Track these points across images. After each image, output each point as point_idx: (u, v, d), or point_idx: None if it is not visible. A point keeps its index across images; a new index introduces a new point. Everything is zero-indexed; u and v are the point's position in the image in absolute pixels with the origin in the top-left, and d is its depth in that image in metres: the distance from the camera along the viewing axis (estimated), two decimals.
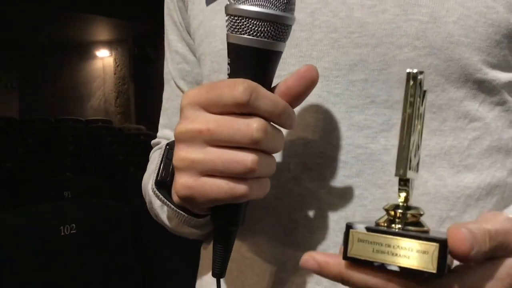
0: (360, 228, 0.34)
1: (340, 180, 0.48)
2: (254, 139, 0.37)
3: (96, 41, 10.65)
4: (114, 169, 4.19)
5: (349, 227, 0.34)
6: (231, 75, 0.41)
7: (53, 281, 1.54)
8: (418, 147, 0.36)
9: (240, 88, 0.37)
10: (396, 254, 0.32)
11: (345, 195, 0.48)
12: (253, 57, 0.40)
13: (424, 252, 0.31)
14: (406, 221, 0.34)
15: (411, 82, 0.34)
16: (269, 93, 0.39)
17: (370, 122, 0.48)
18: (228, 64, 0.41)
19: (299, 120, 0.49)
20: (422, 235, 0.32)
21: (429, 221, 0.47)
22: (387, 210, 0.35)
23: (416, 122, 0.34)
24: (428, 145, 0.48)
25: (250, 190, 0.39)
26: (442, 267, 0.31)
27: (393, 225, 0.34)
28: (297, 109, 0.48)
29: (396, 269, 0.32)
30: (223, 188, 0.39)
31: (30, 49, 9.86)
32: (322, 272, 0.35)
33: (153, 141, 0.73)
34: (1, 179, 3.33)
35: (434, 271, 0.31)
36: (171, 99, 0.68)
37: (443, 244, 0.31)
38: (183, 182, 0.40)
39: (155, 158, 0.66)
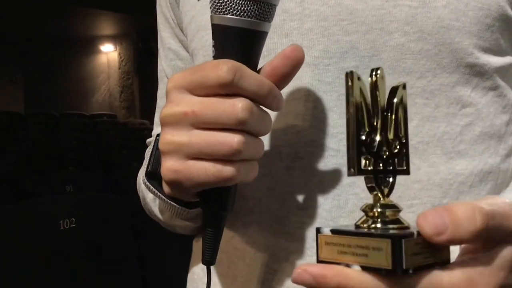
0: (326, 231, 0.34)
1: (332, 168, 0.48)
2: (239, 120, 0.37)
3: (101, 35, 10.66)
4: (118, 164, 4.20)
5: (317, 231, 0.35)
6: (216, 57, 0.41)
7: (53, 275, 1.54)
8: (387, 144, 0.36)
9: (224, 68, 0.37)
10: (356, 254, 0.32)
11: (337, 184, 0.48)
12: (238, 38, 0.40)
13: (379, 249, 0.31)
14: (384, 219, 0.34)
15: (349, 83, 0.34)
16: (254, 73, 0.39)
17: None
18: (213, 46, 0.41)
19: (291, 109, 0.49)
20: (377, 232, 0.32)
21: (421, 209, 0.48)
22: (364, 211, 0.35)
23: (371, 120, 0.35)
24: (420, 132, 0.48)
25: (238, 172, 0.38)
26: (397, 263, 0.30)
27: (373, 225, 0.34)
28: (288, 98, 0.49)
29: (358, 268, 0.32)
30: (210, 171, 0.38)
31: (35, 44, 9.88)
32: (319, 286, 0.32)
33: (148, 140, 0.72)
34: (4, 173, 3.34)
35: (390, 268, 0.30)
36: (165, 96, 0.67)
37: (395, 240, 0.30)
38: (169, 166, 0.40)
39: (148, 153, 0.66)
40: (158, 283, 1.78)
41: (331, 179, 0.48)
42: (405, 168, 0.36)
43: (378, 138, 0.35)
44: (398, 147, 0.36)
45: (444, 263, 0.33)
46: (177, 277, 1.76)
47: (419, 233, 0.32)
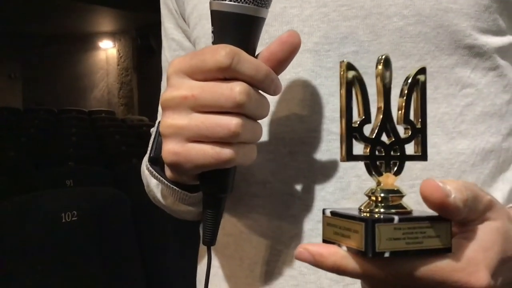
0: (327, 213, 0.36)
1: (334, 152, 0.49)
2: (237, 103, 0.38)
3: (100, 32, 10.64)
4: (116, 160, 4.20)
5: (323, 212, 0.37)
6: (215, 42, 0.42)
7: (54, 267, 1.55)
8: (389, 131, 0.36)
9: (222, 52, 0.38)
10: (344, 235, 0.34)
11: (339, 167, 0.49)
12: (236, 24, 0.41)
13: (357, 231, 0.33)
14: (388, 204, 0.35)
15: (341, 72, 0.35)
16: (251, 57, 0.40)
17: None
18: (212, 32, 0.42)
19: (293, 95, 0.50)
20: (358, 215, 0.34)
21: None
22: (368, 196, 0.36)
23: (368, 107, 0.36)
24: None
25: (236, 155, 0.39)
26: (369, 245, 0.32)
27: (376, 209, 0.35)
28: (290, 84, 0.50)
29: (345, 249, 0.34)
30: (209, 153, 0.39)
31: (34, 40, 9.86)
32: (317, 264, 0.35)
33: (152, 129, 0.73)
34: (4, 168, 3.34)
35: (362, 249, 0.32)
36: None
37: (368, 223, 0.32)
38: (169, 148, 0.41)
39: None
40: (159, 276, 1.79)
41: (333, 163, 0.49)
42: (420, 154, 0.37)
43: (378, 124, 0.36)
44: (410, 132, 0.36)
45: (445, 249, 0.33)
46: (178, 269, 1.76)
47: (406, 219, 0.33)
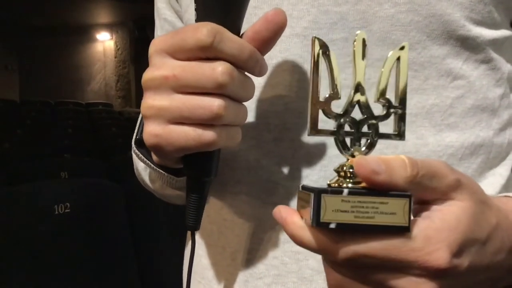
0: (300, 187, 0.37)
1: (319, 140, 0.48)
2: (219, 83, 0.37)
3: (97, 23, 10.59)
4: (113, 153, 4.19)
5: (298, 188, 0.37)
6: (198, 20, 0.40)
7: (46, 260, 1.54)
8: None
9: (204, 30, 0.36)
10: (303, 207, 0.35)
11: (324, 155, 0.48)
12: (219, 0, 0.39)
13: (308, 202, 0.33)
14: (355, 179, 0.35)
15: (313, 49, 0.35)
16: (234, 36, 0.38)
17: (350, 81, 0.47)
18: (195, 10, 0.41)
19: (279, 80, 0.48)
20: (310, 187, 0.34)
21: None
22: (337, 171, 0.36)
23: (335, 84, 0.36)
24: (409, 104, 0.47)
25: (219, 137, 0.38)
26: (314, 215, 0.32)
27: (344, 184, 0.35)
28: (276, 69, 0.49)
29: (304, 220, 0.34)
30: (190, 135, 0.38)
31: (31, 31, 9.81)
32: (283, 227, 0.35)
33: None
34: None
35: (309, 220, 0.32)
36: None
37: (315, 194, 0.32)
38: (150, 130, 0.39)
39: None
40: (152, 269, 1.79)
41: (318, 150, 0.48)
42: (397, 132, 0.36)
43: (348, 100, 0.36)
44: (385, 110, 0.36)
45: (403, 228, 0.32)
46: (171, 260, 1.76)
47: (357, 193, 0.32)
